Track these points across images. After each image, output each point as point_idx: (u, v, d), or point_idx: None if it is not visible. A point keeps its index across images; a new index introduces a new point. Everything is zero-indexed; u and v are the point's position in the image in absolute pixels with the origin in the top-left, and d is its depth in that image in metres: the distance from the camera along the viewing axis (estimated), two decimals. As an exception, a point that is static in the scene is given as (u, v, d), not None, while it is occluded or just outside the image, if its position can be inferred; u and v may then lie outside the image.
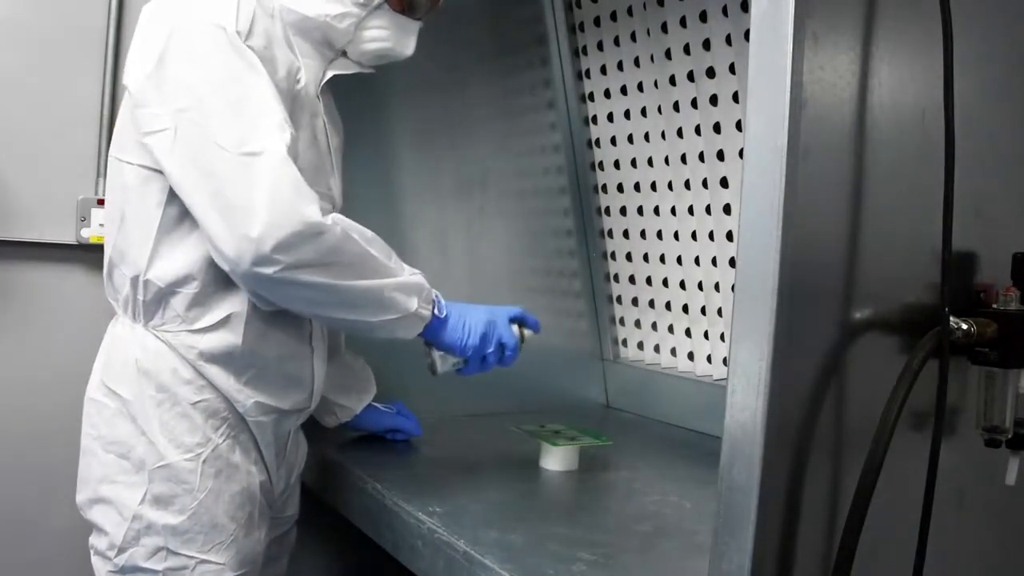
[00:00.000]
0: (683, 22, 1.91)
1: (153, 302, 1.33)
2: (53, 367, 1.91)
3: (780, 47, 0.80)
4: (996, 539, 1.07)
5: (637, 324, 2.23)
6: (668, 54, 1.97)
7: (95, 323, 1.49)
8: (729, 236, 1.90)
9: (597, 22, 2.17)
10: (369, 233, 1.33)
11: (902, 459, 0.87)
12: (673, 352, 2.13)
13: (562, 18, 2.24)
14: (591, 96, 2.24)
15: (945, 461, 0.89)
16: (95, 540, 1.37)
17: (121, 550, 1.32)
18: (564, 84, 2.25)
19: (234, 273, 1.24)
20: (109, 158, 1.40)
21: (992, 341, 0.95)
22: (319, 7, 1.38)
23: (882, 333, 0.91)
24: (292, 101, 1.35)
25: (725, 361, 1.83)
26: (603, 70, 2.18)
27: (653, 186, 2.10)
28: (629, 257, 2.21)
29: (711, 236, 1.95)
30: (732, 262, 1.88)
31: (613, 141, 2.19)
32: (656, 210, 2.10)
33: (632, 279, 2.22)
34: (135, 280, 1.34)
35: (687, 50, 1.92)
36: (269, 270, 1.21)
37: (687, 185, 1.99)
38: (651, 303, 2.17)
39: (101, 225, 1.89)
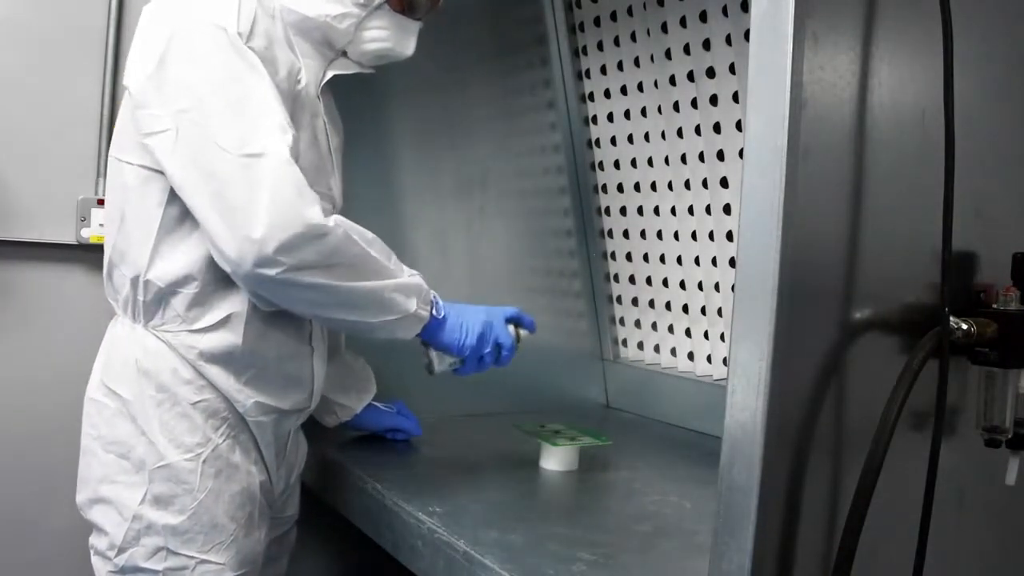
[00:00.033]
0: (683, 22, 1.91)
1: (153, 302, 1.34)
2: (53, 367, 1.91)
3: (780, 47, 0.80)
4: (996, 539, 1.07)
5: (637, 324, 2.23)
6: (668, 54, 1.97)
7: (95, 323, 1.49)
8: (729, 236, 1.90)
9: (597, 22, 2.17)
10: (369, 234, 1.33)
11: (902, 459, 0.87)
12: (673, 352, 2.13)
13: (562, 18, 2.24)
14: (591, 96, 2.24)
15: (945, 461, 0.89)
16: (95, 540, 1.37)
17: (121, 550, 1.32)
18: (564, 84, 2.25)
19: (235, 274, 1.25)
20: (109, 158, 1.40)
21: (992, 341, 0.95)
22: (319, 7, 1.38)
23: (882, 333, 0.91)
24: (293, 102, 1.35)
25: (725, 361, 1.83)
26: (603, 70, 2.18)
27: (653, 186, 2.10)
28: (629, 257, 2.21)
29: (711, 236, 1.95)
30: (732, 262, 1.88)
31: (613, 141, 2.19)
32: (656, 210, 2.10)
33: (632, 279, 2.22)
34: (135, 280, 1.34)
35: (687, 50, 1.92)
36: (271, 271, 1.21)
37: (687, 185, 1.99)
38: (651, 303, 2.17)
39: (101, 225, 1.89)
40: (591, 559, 1.20)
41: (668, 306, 2.12)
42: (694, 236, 2.00)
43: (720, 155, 1.88)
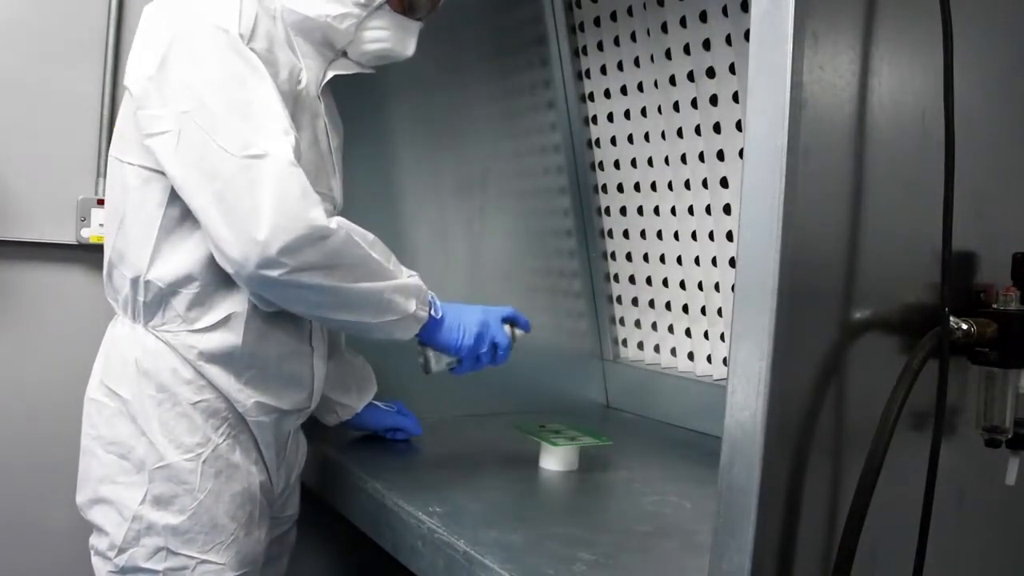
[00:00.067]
0: (683, 22, 1.91)
1: (153, 302, 1.34)
2: (53, 367, 1.91)
3: (780, 47, 0.80)
4: (996, 539, 1.07)
5: (637, 324, 2.23)
6: (668, 54, 1.97)
7: (95, 323, 1.49)
8: (729, 236, 1.90)
9: (597, 22, 2.17)
10: (370, 236, 1.34)
11: (902, 459, 0.87)
12: (673, 352, 2.13)
13: (562, 18, 2.24)
14: (591, 96, 2.24)
15: (945, 461, 0.89)
16: (95, 540, 1.37)
17: (121, 550, 1.32)
18: (564, 84, 2.25)
19: (238, 275, 1.25)
20: (109, 158, 1.40)
21: (992, 341, 0.95)
22: (320, 8, 1.38)
23: (882, 333, 0.91)
24: (294, 102, 1.35)
25: (725, 361, 1.83)
26: (603, 70, 2.18)
27: (653, 186, 2.09)
28: (629, 257, 2.21)
29: (711, 236, 1.95)
30: (732, 262, 1.88)
31: (613, 141, 2.19)
32: (656, 210, 2.10)
33: (632, 279, 2.22)
34: (135, 281, 1.34)
35: (687, 50, 1.92)
36: (274, 273, 1.22)
37: (687, 185, 1.99)
38: (651, 303, 2.17)
39: (101, 225, 1.89)
40: (591, 559, 1.20)
41: (668, 306, 2.12)
42: (694, 236, 2.00)
43: (720, 155, 1.88)
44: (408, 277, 1.38)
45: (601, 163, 2.24)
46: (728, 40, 1.81)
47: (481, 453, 1.77)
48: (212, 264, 1.30)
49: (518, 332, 1.55)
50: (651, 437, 2.00)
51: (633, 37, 2.07)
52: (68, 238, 1.94)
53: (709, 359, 2.01)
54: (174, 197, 1.30)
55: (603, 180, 2.25)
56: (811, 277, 0.84)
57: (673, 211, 2.05)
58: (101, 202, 1.91)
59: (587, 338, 2.28)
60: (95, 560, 1.37)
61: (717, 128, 1.87)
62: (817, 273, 0.85)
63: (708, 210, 1.94)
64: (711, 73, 1.86)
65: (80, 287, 1.96)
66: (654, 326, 2.17)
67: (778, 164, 0.80)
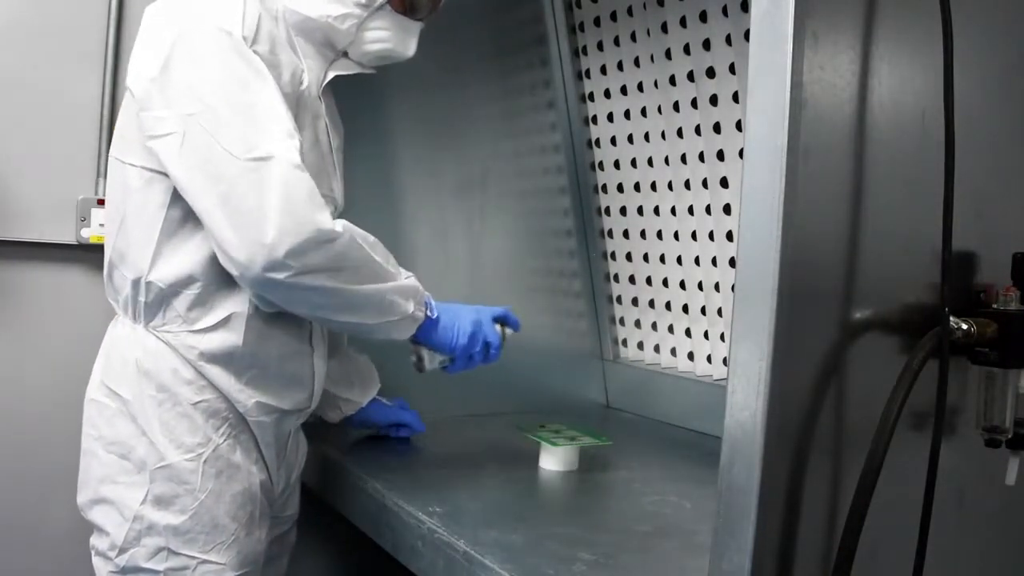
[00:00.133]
0: (683, 22, 1.91)
1: (154, 303, 1.34)
2: (53, 367, 1.91)
3: (780, 47, 0.80)
4: (996, 539, 1.07)
5: (637, 324, 2.23)
6: (668, 54, 1.97)
7: (95, 323, 1.49)
8: (729, 236, 1.90)
9: (597, 22, 2.17)
10: (371, 238, 1.35)
11: (902, 459, 0.87)
12: (673, 352, 2.13)
13: (562, 18, 2.24)
14: (591, 96, 2.24)
15: (945, 461, 0.89)
16: (96, 541, 1.37)
17: (122, 550, 1.32)
18: (564, 84, 2.25)
19: (243, 277, 1.25)
20: (110, 159, 1.40)
21: (992, 341, 0.95)
22: (321, 8, 1.38)
23: (882, 333, 0.91)
24: (296, 103, 1.35)
25: (725, 361, 1.83)
26: (603, 70, 2.18)
27: (653, 186, 2.10)
28: (629, 257, 2.21)
29: (711, 236, 1.95)
30: (732, 262, 1.88)
31: (613, 141, 2.19)
32: (656, 210, 2.10)
33: (632, 279, 2.22)
34: (136, 282, 1.34)
35: (687, 50, 1.92)
36: (280, 275, 1.22)
37: (687, 185, 1.99)
38: (651, 303, 2.17)
39: (101, 225, 1.89)
40: (591, 559, 1.20)
41: (668, 306, 2.12)
42: (694, 236, 2.00)
43: (720, 155, 1.88)
44: (406, 278, 1.39)
45: (601, 163, 2.24)
46: (728, 40, 1.81)
47: (481, 453, 1.77)
48: (213, 265, 1.30)
49: (508, 331, 1.58)
50: (651, 437, 2.00)
51: (633, 37, 2.07)
52: (68, 238, 1.94)
53: (709, 359, 2.01)
54: (176, 198, 1.30)
55: (603, 180, 2.25)
56: (811, 277, 0.84)
57: (673, 211, 2.05)
58: (101, 202, 1.91)
59: (587, 338, 2.28)
60: (96, 560, 1.37)
61: (717, 128, 1.87)
62: (817, 273, 0.85)
63: (708, 210, 1.94)
64: (711, 73, 1.86)
65: (80, 287, 1.96)
66: (654, 326, 2.17)
67: (778, 164, 0.80)
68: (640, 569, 1.22)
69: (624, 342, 2.27)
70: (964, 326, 0.93)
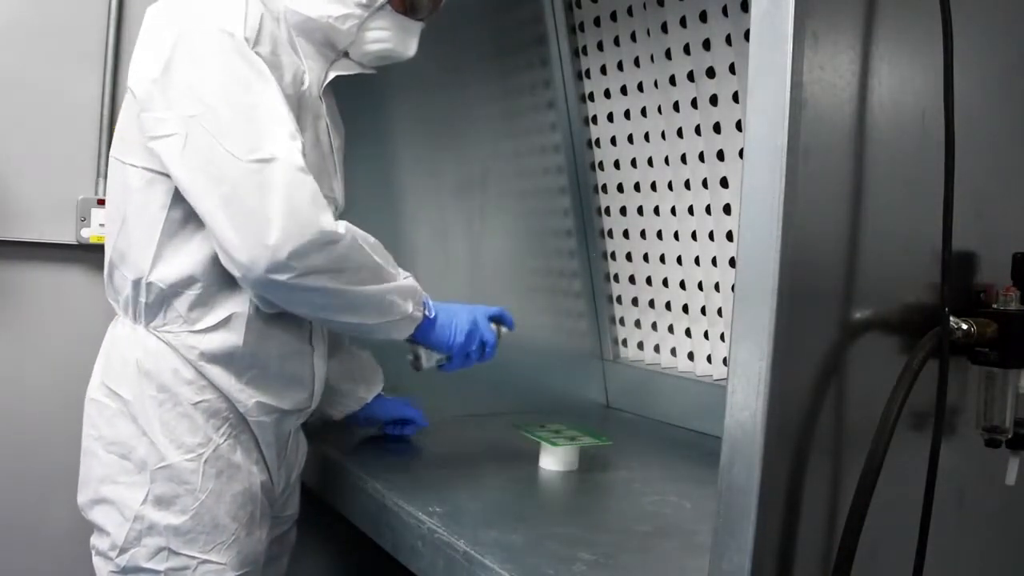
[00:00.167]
0: (683, 22, 1.91)
1: (155, 304, 1.34)
2: (53, 367, 1.91)
3: (780, 47, 0.80)
4: (996, 539, 1.07)
5: (637, 324, 2.23)
6: (668, 54, 1.97)
7: (95, 323, 1.49)
8: (729, 236, 1.90)
9: (597, 22, 2.17)
10: (372, 239, 1.35)
11: (902, 459, 0.87)
12: (673, 352, 2.13)
13: (562, 18, 2.24)
14: (591, 96, 2.24)
15: (945, 461, 0.89)
16: (96, 541, 1.37)
17: (123, 550, 1.32)
18: (564, 84, 2.25)
19: (245, 279, 1.25)
20: (110, 159, 1.40)
21: (992, 341, 0.95)
22: (322, 8, 1.38)
23: (882, 333, 0.91)
24: (297, 104, 1.35)
25: (725, 361, 1.83)
26: (603, 70, 2.18)
27: (653, 186, 2.10)
28: (629, 257, 2.21)
29: (711, 236, 1.95)
30: (732, 262, 1.88)
31: (613, 141, 2.19)
32: (656, 210, 2.10)
33: (632, 279, 2.22)
34: (137, 282, 1.34)
35: (687, 50, 1.92)
36: (283, 276, 1.22)
37: (687, 185, 1.99)
38: (651, 303, 2.17)
39: (101, 225, 1.89)
40: (591, 559, 1.20)
41: (668, 306, 2.12)
42: (694, 236, 2.00)
43: (720, 155, 1.88)
44: (404, 279, 1.40)
45: (601, 163, 2.24)
46: (728, 40, 1.81)
47: (481, 453, 1.77)
48: (214, 265, 1.30)
49: (504, 330, 1.60)
50: (651, 437, 2.00)
51: (633, 37, 2.07)
52: (68, 238, 1.94)
53: (709, 359, 2.01)
54: (177, 199, 1.30)
55: (603, 180, 2.25)
56: (811, 277, 0.84)
57: (673, 211, 2.05)
58: (101, 202, 1.91)
59: (587, 338, 2.28)
60: (96, 560, 1.37)
61: (717, 128, 1.87)
62: (817, 273, 0.85)
63: (708, 210, 1.94)
64: (711, 73, 1.86)
65: (80, 287, 1.96)
66: (654, 326, 2.17)
67: (778, 164, 0.80)
68: (640, 569, 1.22)
69: (624, 342, 2.27)
70: (964, 326, 0.93)
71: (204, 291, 1.33)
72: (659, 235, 2.11)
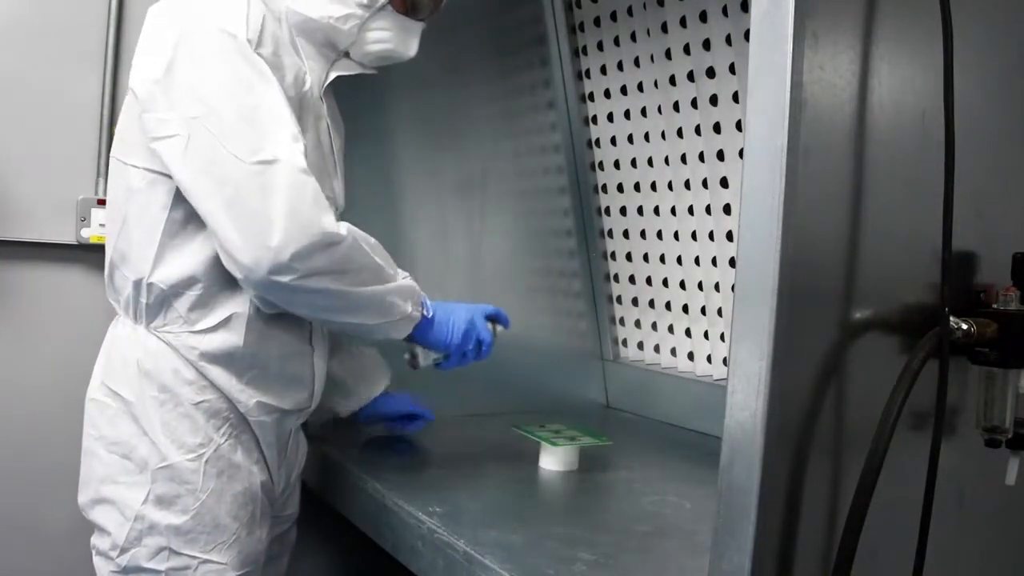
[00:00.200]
0: (683, 22, 1.91)
1: (156, 304, 1.34)
2: (53, 367, 1.91)
3: (780, 47, 0.80)
4: (996, 539, 1.07)
5: (637, 324, 2.23)
6: (668, 54, 1.97)
7: (95, 323, 1.49)
8: (729, 236, 1.90)
9: (597, 22, 2.17)
10: (372, 240, 1.35)
11: (902, 459, 0.87)
12: (673, 352, 2.13)
13: (562, 18, 2.24)
14: (591, 96, 2.24)
15: (945, 461, 0.89)
16: (97, 540, 1.37)
17: (123, 550, 1.32)
18: (564, 84, 2.25)
19: (247, 280, 1.25)
20: (111, 159, 1.40)
21: (992, 341, 0.95)
22: (323, 9, 1.38)
23: (882, 333, 0.91)
24: (298, 105, 1.35)
25: (725, 361, 1.83)
26: (603, 70, 2.18)
27: (653, 186, 2.10)
28: (629, 257, 2.21)
29: (711, 236, 1.95)
30: (732, 262, 1.88)
31: (613, 141, 2.19)
32: (656, 210, 2.10)
33: (632, 279, 2.22)
34: (138, 283, 1.34)
35: (687, 50, 1.92)
36: (285, 278, 1.22)
37: (687, 185, 1.99)
38: (651, 303, 2.17)
39: (101, 225, 1.89)
40: (591, 559, 1.20)
41: (668, 306, 2.12)
42: (694, 236, 2.00)
43: (720, 155, 1.88)
44: (403, 279, 1.40)
45: (601, 163, 2.24)
46: (728, 40, 1.81)
47: (481, 453, 1.77)
48: (215, 266, 1.30)
49: (499, 328, 1.60)
50: (651, 437, 2.00)
51: (633, 37, 2.07)
52: (68, 238, 1.94)
53: (709, 359, 2.01)
54: (178, 200, 1.30)
55: (603, 180, 2.25)
56: (811, 277, 0.84)
57: (673, 211, 2.05)
58: (101, 202, 1.91)
59: (587, 338, 2.28)
60: (97, 560, 1.37)
61: (717, 128, 1.87)
62: (817, 273, 0.85)
63: (708, 210, 1.94)
64: (711, 73, 1.86)
65: (80, 287, 1.96)
66: (654, 326, 2.17)
67: (778, 164, 0.80)
68: (640, 569, 1.22)
69: (624, 342, 2.27)
70: (964, 326, 0.93)
71: (205, 292, 1.33)
72: (659, 235, 2.11)
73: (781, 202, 0.80)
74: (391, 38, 1.44)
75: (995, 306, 0.97)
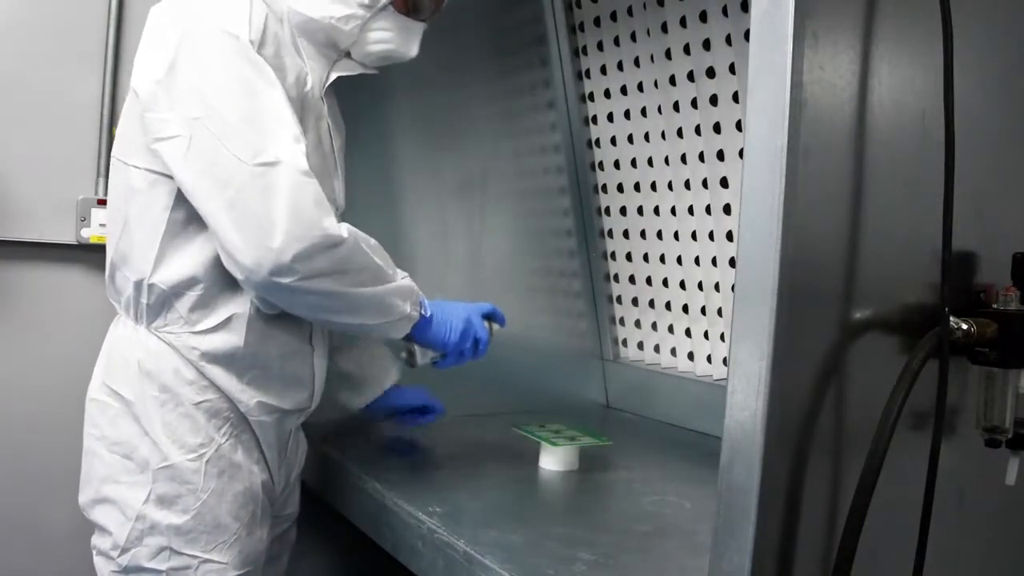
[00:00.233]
0: (683, 22, 1.91)
1: (156, 304, 1.34)
2: (53, 367, 1.91)
3: (780, 47, 0.80)
4: (996, 539, 1.07)
5: (637, 324, 2.23)
6: (668, 54, 1.97)
7: (95, 323, 1.49)
8: (729, 236, 1.90)
9: (597, 22, 2.17)
10: (372, 241, 1.35)
11: (902, 459, 0.87)
12: (673, 352, 2.13)
13: (562, 18, 2.24)
14: (591, 96, 2.24)
15: (945, 461, 0.89)
16: (98, 540, 1.37)
17: (124, 550, 1.32)
18: (564, 84, 2.25)
19: (248, 281, 1.25)
20: (112, 160, 1.40)
21: (992, 341, 0.95)
22: (324, 9, 1.38)
23: (882, 333, 0.91)
24: (300, 105, 1.35)
25: (725, 361, 1.83)
26: (603, 70, 2.18)
27: (653, 186, 2.10)
28: (629, 257, 2.21)
29: (711, 236, 1.95)
30: (732, 262, 1.88)
31: (613, 141, 2.19)
32: (656, 210, 2.10)
33: (632, 279, 2.22)
34: (139, 283, 1.34)
35: (687, 50, 1.92)
36: (286, 279, 1.22)
37: (687, 185, 1.99)
38: (651, 303, 2.17)
39: (101, 225, 1.90)
40: (591, 559, 1.20)
41: (668, 306, 2.12)
42: (694, 236, 2.00)
43: (720, 155, 1.88)
44: (402, 279, 1.40)
45: (601, 163, 2.24)
46: (728, 40, 1.81)
47: (481, 453, 1.77)
48: (215, 267, 1.30)
49: (496, 327, 1.61)
50: (651, 437, 2.00)
51: (633, 37, 2.07)
52: (68, 238, 1.94)
53: (709, 359, 2.01)
54: (179, 200, 1.30)
55: (603, 180, 2.25)
56: (811, 277, 0.84)
57: (673, 211, 2.05)
58: (101, 202, 1.91)
59: (587, 338, 2.28)
60: (97, 560, 1.37)
61: (717, 128, 1.87)
62: (817, 273, 0.85)
63: (708, 210, 1.94)
64: (711, 73, 1.86)
65: (80, 287, 1.96)
66: (654, 326, 2.18)
67: (778, 164, 0.80)
68: (640, 569, 1.22)
69: (624, 342, 2.27)
70: (964, 326, 0.93)
71: (205, 292, 1.33)
72: (659, 235, 2.11)
73: (781, 202, 0.80)
74: (392, 38, 1.44)
75: (995, 306, 0.97)
